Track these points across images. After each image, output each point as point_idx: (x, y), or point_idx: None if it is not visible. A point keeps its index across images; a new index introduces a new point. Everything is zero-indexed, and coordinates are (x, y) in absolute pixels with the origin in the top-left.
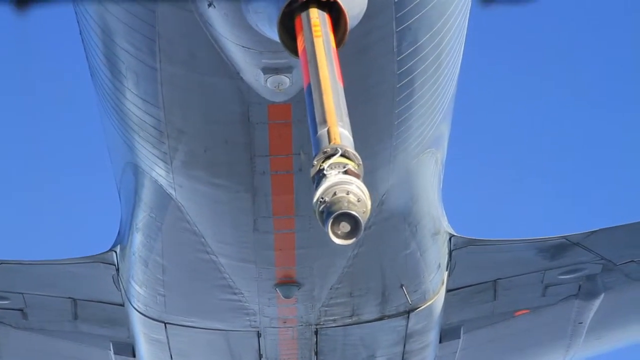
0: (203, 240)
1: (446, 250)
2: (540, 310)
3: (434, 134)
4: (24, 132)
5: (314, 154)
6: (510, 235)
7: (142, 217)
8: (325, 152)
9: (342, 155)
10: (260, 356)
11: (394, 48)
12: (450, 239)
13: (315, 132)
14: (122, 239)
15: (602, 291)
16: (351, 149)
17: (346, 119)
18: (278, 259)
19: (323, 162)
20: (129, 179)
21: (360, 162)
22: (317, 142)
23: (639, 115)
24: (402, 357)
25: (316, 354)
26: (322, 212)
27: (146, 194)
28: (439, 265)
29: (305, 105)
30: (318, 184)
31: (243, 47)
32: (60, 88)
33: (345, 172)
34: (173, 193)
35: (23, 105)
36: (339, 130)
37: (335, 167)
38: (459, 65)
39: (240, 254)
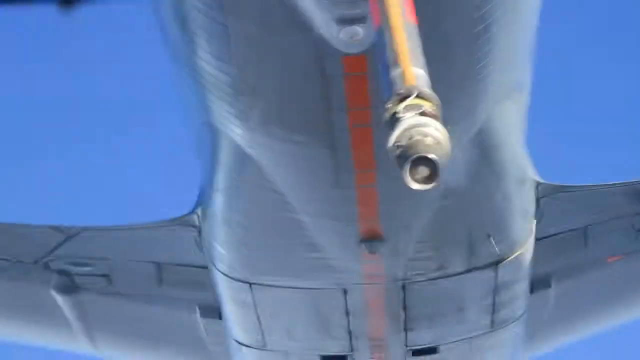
0: (284, 198)
1: (533, 198)
2: (634, 255)
3: (516, 78)
4: (90, 93)
5: (386, 97)
6: (600, 180)
7: (221, 177)
8: (400, 93)
9: (418, 97)
10: (347, 314)
11: None
12: (537, 187)
13: (388, 74)
14: (203, 200)
15: None
16: (427, 89)
17: (421, 59)
18: (361, 214)
19: (397, 104)
20: (205, 140)
21: (439, 103)
22: (390, 84)
23: None
24: (493, 309)
25: (404, 309)
26: (398, 157)
27: (224, 154)
28: (527, 214)
29: None
30: (393, 128)
31: None
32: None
33: (422, 114)
34: (251, 152)
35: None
36: (414, 70)
37: (410, 109)
38: (539, 5)
39: (323, 211)
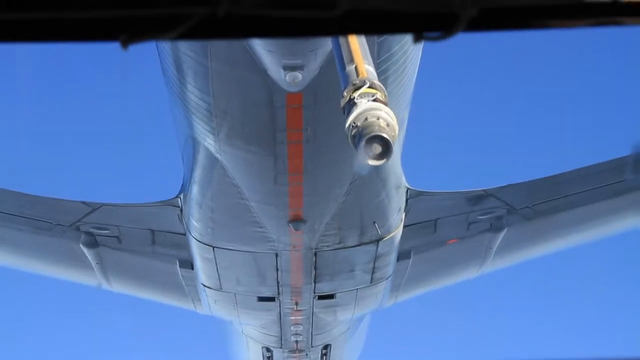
0: (239, 190)
1: (404, 198)
2: (464, 240)
3: (400, 117)
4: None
5: (342, 88)
6: (449, 188)
7: (198, 173)
8: (355, 84)
9: (370, 87)
10: (277, 270)
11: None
12: (407, 190)
13: (344, 69)
14: (184, 188)
15: (505, 227)
16: (377, 82)
17: (370, 59)
18: (291, 203)
19: (353, 92)
20: (189, 147)
21: (386, 93)
22: (346, 77)
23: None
24: (373, 270)
25: (315, 268)
26: (354, 136)
27: (201, 158)
28: (400, 209)
29: (314, 95)
30: (349, 112)
31: (269, 50)
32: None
33: (374, 100)
34: (219, 157)
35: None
36: (365, 66)
37: (364, 97)
38: (416, 72)
39: (265, 200)
